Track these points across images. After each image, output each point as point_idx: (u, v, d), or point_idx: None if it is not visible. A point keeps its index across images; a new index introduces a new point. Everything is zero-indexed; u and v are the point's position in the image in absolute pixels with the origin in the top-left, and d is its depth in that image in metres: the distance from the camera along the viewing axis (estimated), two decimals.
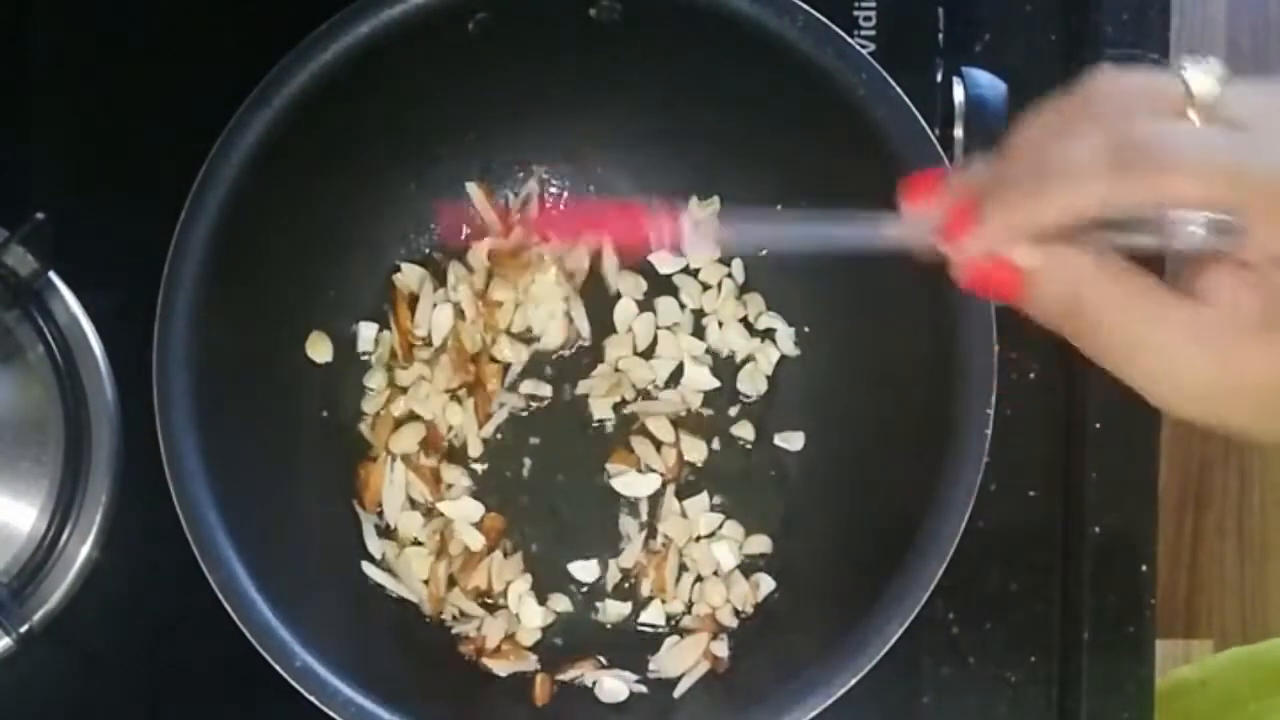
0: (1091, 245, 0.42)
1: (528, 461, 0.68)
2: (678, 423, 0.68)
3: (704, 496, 0.68)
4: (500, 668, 0.65)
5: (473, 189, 0.69)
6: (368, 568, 0.66)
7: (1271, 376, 0.41)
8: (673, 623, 0.67)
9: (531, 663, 0.66)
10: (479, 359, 0.68)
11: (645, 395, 0.69)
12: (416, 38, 0.62)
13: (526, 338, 0.69)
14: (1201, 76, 0.41)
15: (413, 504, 0.68)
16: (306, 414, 0.68)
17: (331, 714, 0.57)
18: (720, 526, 0.68)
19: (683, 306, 0.70)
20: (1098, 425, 0.67)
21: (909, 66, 0.62)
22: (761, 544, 0.68)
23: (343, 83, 0.61)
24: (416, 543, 0.67)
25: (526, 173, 0.71)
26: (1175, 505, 1.39)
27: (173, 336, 0.59)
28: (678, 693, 0.65)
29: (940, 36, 0.68)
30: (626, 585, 0.68)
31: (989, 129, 0.63)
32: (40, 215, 0.62)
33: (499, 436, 0.69)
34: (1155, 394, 0.43)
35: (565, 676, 0.65)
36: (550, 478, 0.69)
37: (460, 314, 0.69)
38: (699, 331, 0.70)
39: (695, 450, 0.68)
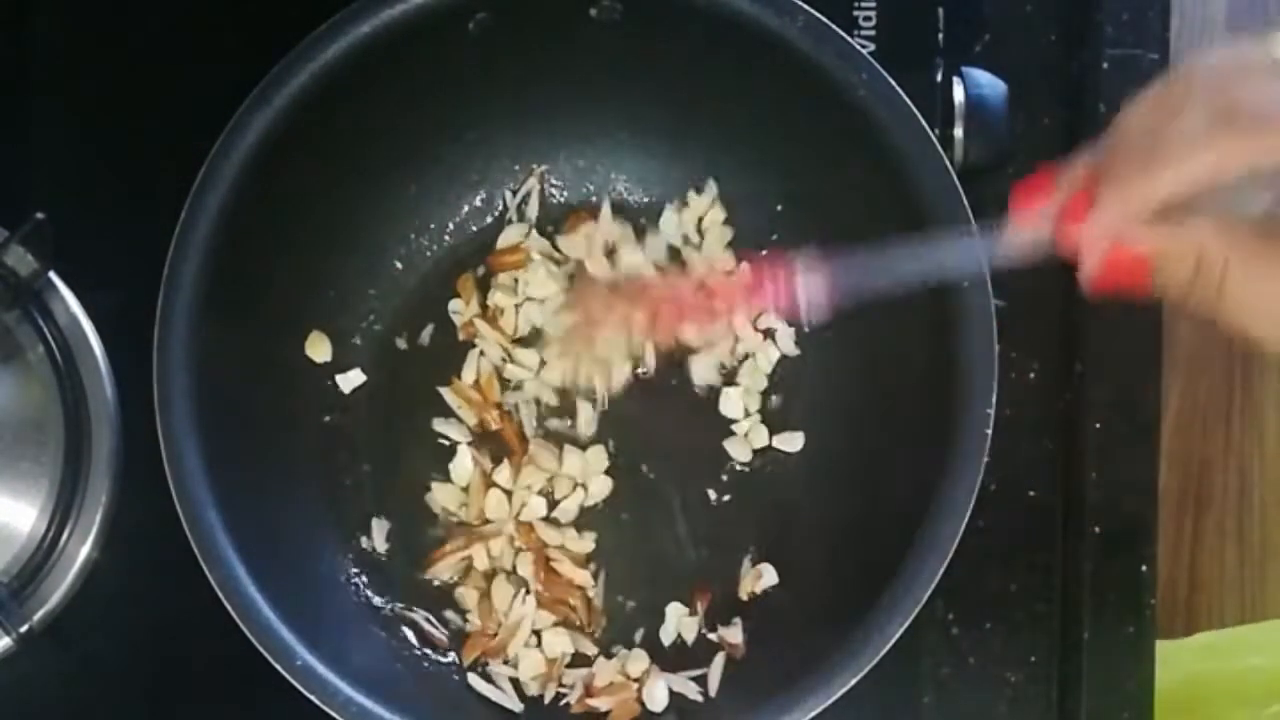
0: (1208, 213, 0.44)
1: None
2: None
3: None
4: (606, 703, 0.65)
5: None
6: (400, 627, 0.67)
7: None
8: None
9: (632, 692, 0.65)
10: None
11: None
12: (416, 38, 0.62)
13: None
14: None
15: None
16: (306, 414, 0.68)
17: (331, 713, 0.57)
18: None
19: None
20: (1098, 425, 0.67)
21: (909, 66, 0.62)
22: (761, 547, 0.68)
23: (343, 83, 0.61)
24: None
25: (526, 172, 0.71)
26: (1175, 505, 1.39)
27: (173, 336, 0.59)
28: (712, 690, 0.65)
29: (940, 36, 0.68)
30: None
31: (989, 129, 0.63)
32: (40, 215, 0.62)
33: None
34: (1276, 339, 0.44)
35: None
36: None
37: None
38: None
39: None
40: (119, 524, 0.63)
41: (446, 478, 0.68)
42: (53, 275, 0.64)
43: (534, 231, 0.70)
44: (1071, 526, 0.67)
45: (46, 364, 0.63)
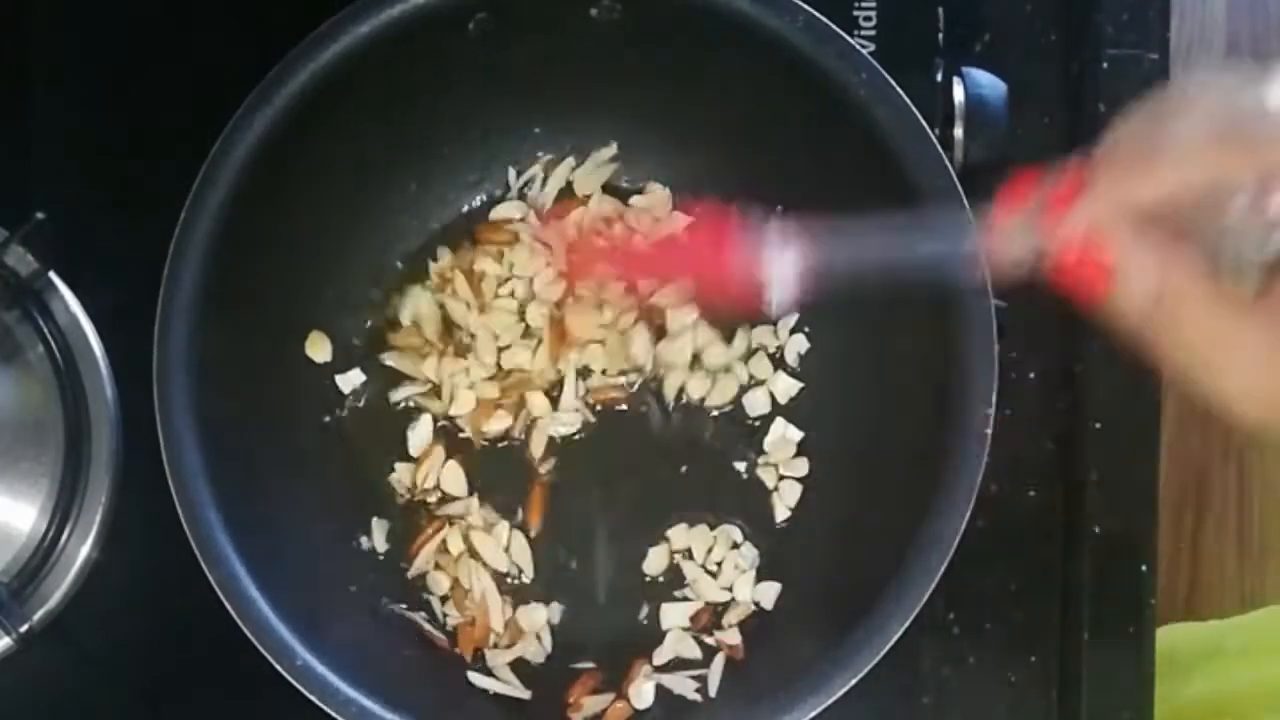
0: (1182, 251, 0.43)
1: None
2: None
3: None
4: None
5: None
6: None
7: None
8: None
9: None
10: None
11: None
12: (416, 38, 0.62)
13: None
14: None
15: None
16: (306, 414, 0.68)
17: (332, 713, 0.57)
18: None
19: None
20: (1098, 425, 0.67)
21: (909, 66, 0.62)
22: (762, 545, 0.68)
23: (343, 83, 0.61)
24: None
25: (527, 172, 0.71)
26: (1175, 505, 1.39)
27: (173, 336, 0.59)
28: (712, 691, 0.65)
29: (940, 36, 0.68)
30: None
31: (989, 129, 0.63)
32: (40, 215, 0.62)
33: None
34: (1225, 395, 0.44)
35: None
36: None
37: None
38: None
39: None
40: (119, 524, 0.63)
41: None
42: (53, 275, 0.64)
43: (532, 214, 0.70)
44: (1071, 526, 0.67)
45: (46, 364, 0.63)
